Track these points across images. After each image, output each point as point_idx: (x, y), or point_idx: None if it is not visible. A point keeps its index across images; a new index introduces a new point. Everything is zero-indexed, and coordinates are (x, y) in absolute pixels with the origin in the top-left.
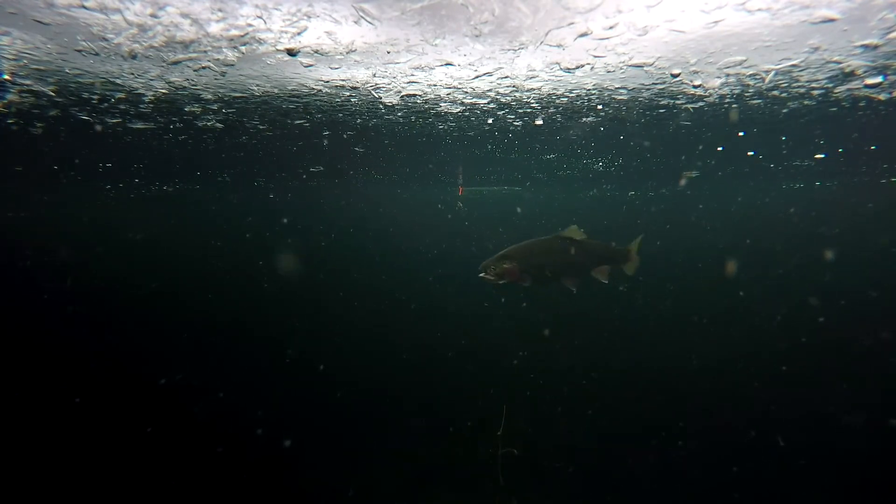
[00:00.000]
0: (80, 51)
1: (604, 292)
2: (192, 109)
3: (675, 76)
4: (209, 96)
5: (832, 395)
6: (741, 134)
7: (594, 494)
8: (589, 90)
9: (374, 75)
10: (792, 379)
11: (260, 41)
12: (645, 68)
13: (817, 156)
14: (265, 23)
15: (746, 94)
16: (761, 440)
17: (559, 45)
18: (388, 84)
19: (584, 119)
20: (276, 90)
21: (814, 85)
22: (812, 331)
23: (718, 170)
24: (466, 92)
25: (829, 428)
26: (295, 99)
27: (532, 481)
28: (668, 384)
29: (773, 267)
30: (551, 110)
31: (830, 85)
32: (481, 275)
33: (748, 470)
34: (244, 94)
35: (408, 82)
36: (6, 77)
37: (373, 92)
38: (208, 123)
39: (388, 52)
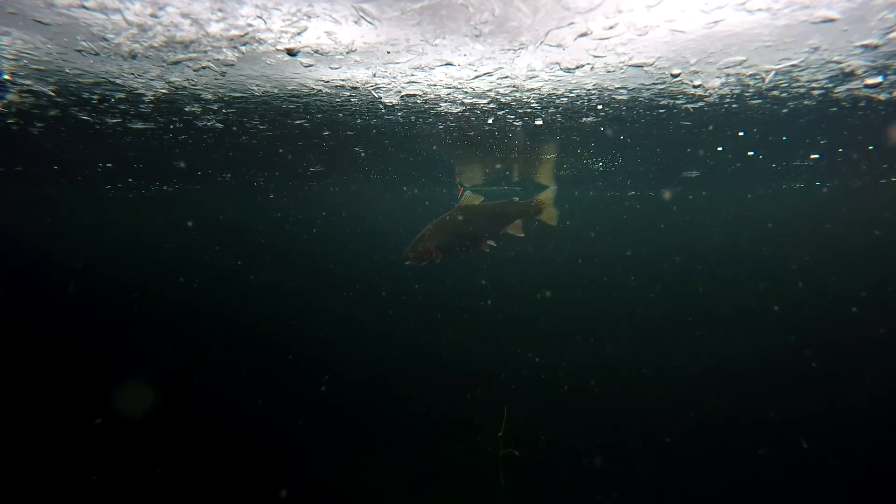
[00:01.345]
0: (80, 51)
1: (604, 293)
2: (192, 109)
3: (675, 76)
4: (209, 96)
5: (835, 395)
6: (741, 134)
7: (594, 494)
8: (589, 90)
9: (374, 75)
10: (793, 379)
11: (260, 41)
12: (645, 68)
13: (813, 156)
14: (265, 23)
15: (746, 94)
16: (763, 440)
17: (559, 45)
18: (388, 84)
19: (584, 119)
20: (276, 90)
21: (814, 85)
22: (813, 331)
23: (720, 170)
24: (466, 92)
25: (831, 428)
26: (295, 99)
27: (533, 481)
28: (670, 384)
29: (782, 267)
30: (551, 110)
31: (830, 85)
32: (406, 262)
33: (749, 470)
34: (244, 95)
35: (408, 82)
36: (6, 77)
37: (373, 92)
38: (208, 123)
39: (388, 52)
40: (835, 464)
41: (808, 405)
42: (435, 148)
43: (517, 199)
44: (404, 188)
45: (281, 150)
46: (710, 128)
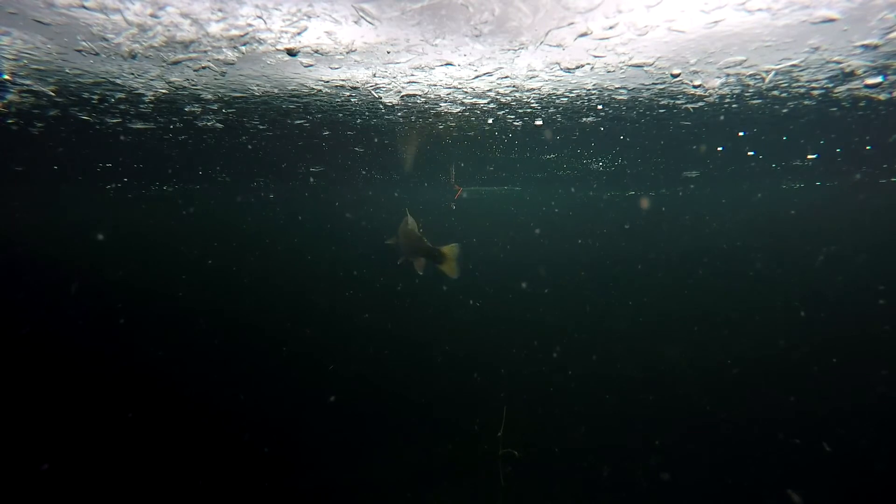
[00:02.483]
0: (80, 51)
1: (604, 295)
2: (192, 109)
3: (675, 76)
4: (209, 96)
5: (837, 396)
6: (741, 134)
7: (594, 494)
8: (589, 90)
9: (374, 75)
10: (790, 381)
11: (260, 41)
12: (645, 68)
13: (810, 156)
14: (265, 23)
15: (746, 94)
16: (761, 441)
17: (559, 45)
18: (388, 84)
19: (584, 119)
20: (276, 90)
21: (814, 85)
22: (815, 331)
23: (720, 169)
24: (466, 92)
25: (829, 429)
26: (295, 99)
27: (532, 481)
28: (668, 386)
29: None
30: (551, 110)
31: (830, 85)
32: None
33: (749, 471)
34: (244, 94)
35: (408, 82)
36: (6, 77)
37: (373, 92)
38: (208, 123)
39: (388, 52)
40: (836, 463)
41: (809, 405)
42: (378, 140)
43: (427, 242)
44: (394, 193)
45: (281, 150)
46: (721, 118)
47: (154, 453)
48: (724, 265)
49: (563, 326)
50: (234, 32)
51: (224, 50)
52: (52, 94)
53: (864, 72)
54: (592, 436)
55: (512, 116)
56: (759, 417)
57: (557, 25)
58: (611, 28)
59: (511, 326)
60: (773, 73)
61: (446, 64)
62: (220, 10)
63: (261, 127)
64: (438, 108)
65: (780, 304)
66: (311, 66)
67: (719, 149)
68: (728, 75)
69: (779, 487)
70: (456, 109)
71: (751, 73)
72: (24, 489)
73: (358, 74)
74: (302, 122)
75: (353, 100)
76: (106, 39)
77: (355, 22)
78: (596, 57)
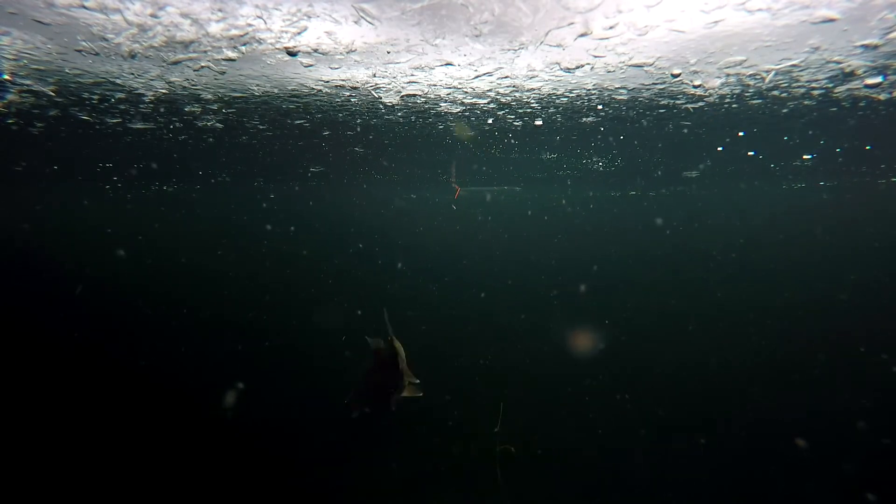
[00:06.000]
0: (80, 51)
1: (604, 294)
2: (192, 109)
3: (675, 76)
4: (209, 96)
5: (838, 396)
6: (741, 134)
7: (594, 494)
8: (589, 90)
9: (374, 75)
10: (792, 382)
11: (260, 41)
12: (645, 68)
13: (805, 157)
14: (265, 23)
15: (746, 94)
16: (761, 441)
17: (559, 45)
18: (388, 84)
19: (584, 119)
20: (276, 90)
21: (814, 85)
22: (815, 331)
23: (723, 169)
24: (466, 92)
25: (829, 429)
26: (295, 99)
27: (531, 481)
28: (670, 386)
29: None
30: (551, 110)
31: (830, 85)
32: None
33: (747, 471)
34: (244, 94)
35: (408, 82)
36: (6, 77)
37: (373, 92)
38: (208, 123)
39: (388, 52)
40: (834, 466)
41: (809, 406)
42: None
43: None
44: (399, 190)
45: (281, 151)
46: (709, 128)
47: (154, 453)
48: (724, 265)
49: (563, 326)
50: (234, 32)
51: (224, 50)
52: (52, 94)
53: (864, 72)
54: (593, 436)
55: (512, 116)
56: (762, 418)
57: (557, 25)
58: (611, 28)
59: (510, 326)
60: (773, 73)
61: (446, 64)
62: (220, 10)
63: (261, 127)
64: (438, 108)
65: (787, 304)
66: (311, 66)
67: (719, 149)
68: (728, 75)
69: (780, 488)
70: (456, 109)
71: (751, 73)
72: (24, 489)
73: (358, 74)
74: (302, 122)
75: (353, 100)
76: (106, 39)
77: (355, 22)
78: (596, 57)
